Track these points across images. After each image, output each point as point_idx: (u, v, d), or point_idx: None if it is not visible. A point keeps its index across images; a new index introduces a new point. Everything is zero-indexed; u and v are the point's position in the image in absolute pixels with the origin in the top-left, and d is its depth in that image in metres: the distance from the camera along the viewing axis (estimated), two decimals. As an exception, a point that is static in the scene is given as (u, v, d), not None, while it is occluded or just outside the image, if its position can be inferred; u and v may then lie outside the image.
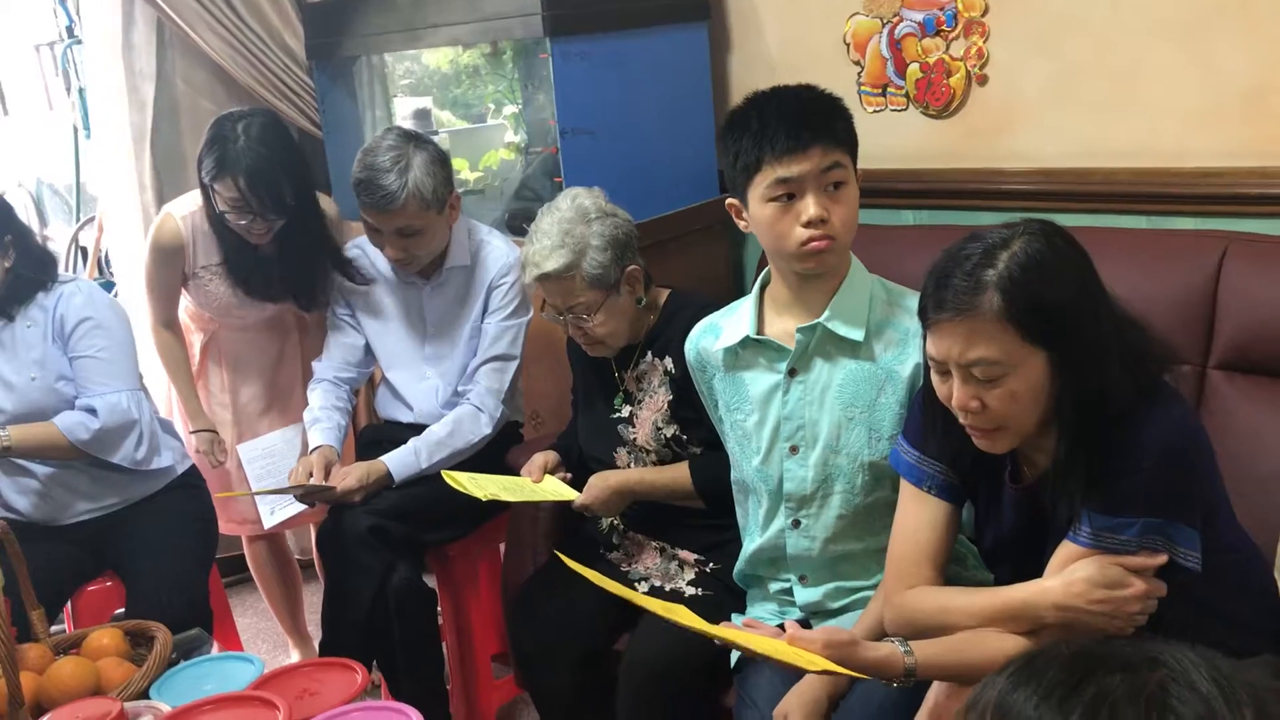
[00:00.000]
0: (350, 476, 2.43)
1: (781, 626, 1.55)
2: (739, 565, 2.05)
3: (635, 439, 2.24)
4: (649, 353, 2.23)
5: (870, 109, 2.68)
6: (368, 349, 2.71)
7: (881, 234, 2.48)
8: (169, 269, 2.70)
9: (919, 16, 2.55)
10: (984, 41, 2.48)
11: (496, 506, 2.34)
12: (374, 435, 2.75)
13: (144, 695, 1.70)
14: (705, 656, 1.95)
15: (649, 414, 2.22)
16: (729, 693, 1.97)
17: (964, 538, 1.81)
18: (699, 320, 2.04)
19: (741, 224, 1.86)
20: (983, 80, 2.51)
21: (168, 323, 2.80)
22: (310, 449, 2.56)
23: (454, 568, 2.66)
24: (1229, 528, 1.58)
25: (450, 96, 3.46)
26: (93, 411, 2.32)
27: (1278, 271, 1.99)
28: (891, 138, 2.64)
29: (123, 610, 2.39)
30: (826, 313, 1.83)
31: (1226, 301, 2.02)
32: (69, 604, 2.53)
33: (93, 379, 2.35)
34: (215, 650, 1.95)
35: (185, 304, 2.82)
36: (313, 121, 3.25)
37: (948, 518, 1.64)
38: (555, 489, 2.29)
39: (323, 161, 3.20)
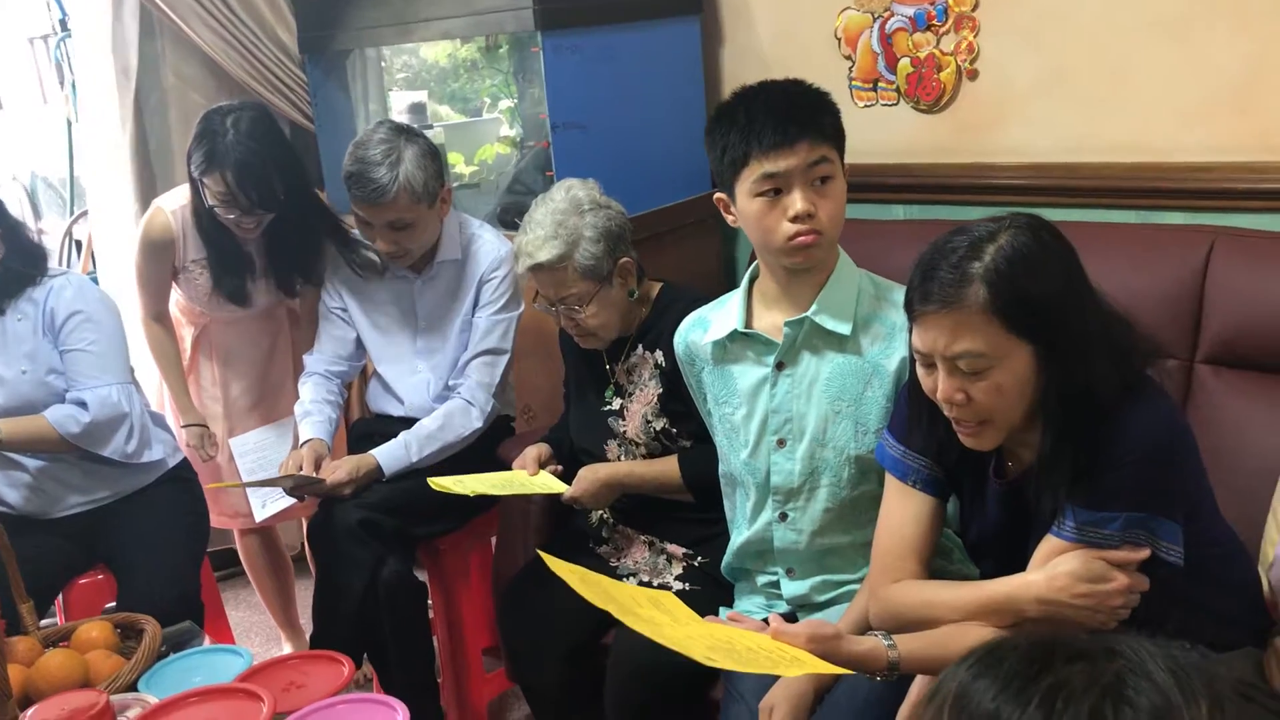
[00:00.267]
0: (340, 470, 2.44)
1: (766, 620, 1.55)
2: (726, 558, 2.05)
3: (625, 431, 2.24)
4: (640, 345, 2.23)
5: (861, 104, 2.69)
6: (359, 342, 2.72)
7: (872, 228, 2.48)
8: (159, 263, 2.70)
9: (910, 11, 2.56)
10: (974, 36, 2.48)
11: (487, 500, 2.34)
12: (365, 429, 2.75)
13: (132, 688, 1.70)
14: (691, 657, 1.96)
15: (639, 407, 2.22)
16: (716, 686, 1.98)
17: (949, 531, 1.82)
18: (690, 314, 2.05)
19: (730, 218, 1.86)
20: (973, 75, 2.51)
21: (158, 316, 2.80)
22: (301, 442, 2.56)
23: (445, 561, 2.67)
24: (1212, 522, 1.59)
25: (447, 90, 3.46)
26: (83, 405, 2.32)
27: (1265, 266, 2.00)
28: (882, 132, 2.65)
29: (114, 604, 2.40)
30: (814, 306, 1.84)
31: (1214, 296, 2.03)
32: (60, 597, 2.53)
33: (83, 372, 2.35)
34: (206, 643, 1.95)
35: (176, 297, 2.82)
36: (305, 115, 3.25)
37: (932, 512, 1.65)
38: (545, 482, 2.30)
39: (315, 155, 3.20)
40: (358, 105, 3.28)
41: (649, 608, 1.54)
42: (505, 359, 2.59)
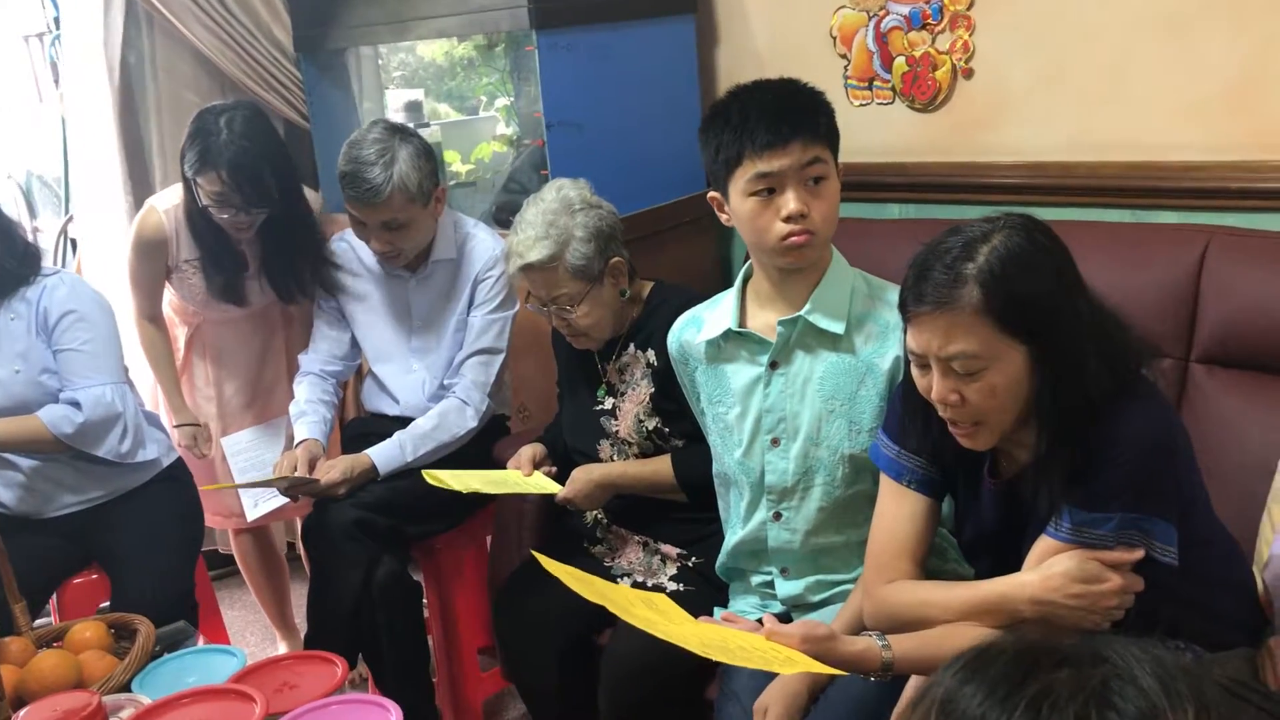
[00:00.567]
0: (335, 470, 2.43)
1: (760, 620, 1.55)
2: (721, 558, 2.05)
3: (617, 431, 2.24)
4: (631, 345, 2.23)
5: (856, 102, 2.68)
6: (354, 342, 2.71)
7: (867, 227, 2.48)
8: (152, 262, 2.70)
9: (905, 10, 2.55)
10: (970, 35, 2.48)
11: (482, 500, 2.34)
12: (360, 428, 2.75)
13: (125, 688, 1.70)
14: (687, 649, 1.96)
15: (631, 406, 2.22)
16: (711, 686, 1.98)
17: (944, 531, 1.82)
18: (682, 313, 2.04)
19: (723, 217, 1.86)
20: (968, 74, 2.51)
21: (151, 316, 2.80)
22: (295, 442, 2.56)
23: (440, 561, 2.66)
24: (1206, 522, 1.59)
25: (443, 89, 3.45)
26: (76, 405, 2.32)
27: (1259, 265, 2.00)
28: (878, 131, 2.65)
29: (108, 603, 2.40)
30: (808, 306, 1.83)
31: (1208, 295, 2.03)
32: (54, 597, 2.52)
33: (77, 372, 2.34)
34: (200, 643, 1.95)
35: (169, 297, 2.82)
36: (300, 114, 3.25)
37: (927, 512, 1.65)
38: (539, 483, 2.29)
39: (310, 154, 3.20)
40: (353, 103, 3.27)
41: (643, 608, 1.55)
42: (500, 358, 2.59)
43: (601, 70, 2.68)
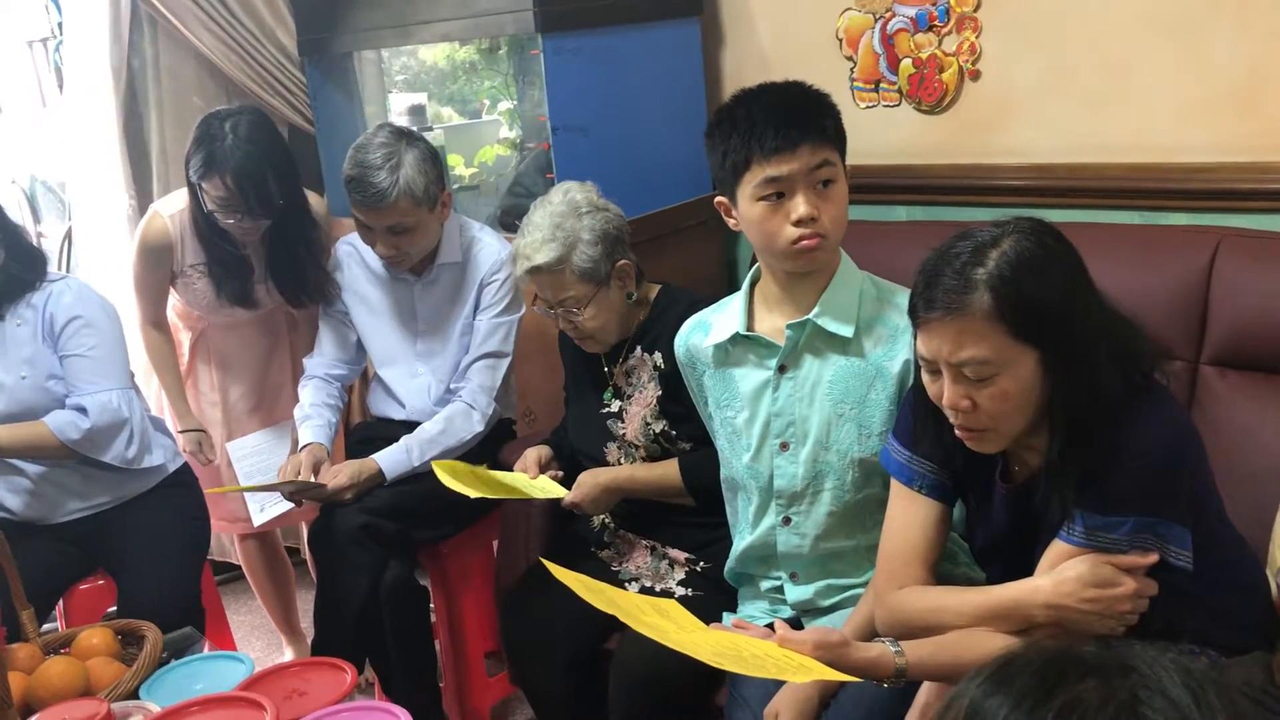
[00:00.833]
0: (342, 475, 2.43)
1: (771, 626, 1.54)
2: (729, 564, 2.04)
3: (624, 434, 2.23)
4: (638, 347, 2.23)
5: (863, 104, 2.68)
6: (360, 345, 2.71)
7: (874, 230, 2.48)
8: (157, 268, 2.69)
9: (911, 12, 2.55)
10: (976, 37, 2.47)
11: (489, 504, 2.33)
12: (366, 432, 2.74)
13: (133, 695, 1.70)
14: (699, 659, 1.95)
15: (638, 409, 2.21)
16: (720, 691, 1.97)
17: (954, 534, 1.81)
18: (689, 316, 2.04)
19: (731, 222, 1.85)
20: (975, 75, 2.50)
21: (156, 322, 2.79)
22: (300, 446, 2.55)
23: (447, 565, 2.66)
24: (1220, 525, 1.58)
25: (446, 92, 3.45)
26: (83, 411, 2.31)
27: (1270, 267, 1.99)
28: (884, 133, 2.64)
29: (114, 609, 2.40)
30: (816, 309, 1.83)
31: (1219, 297, 2.02)
32: (60, 603, 2.52)
33: (83, 378, 2.34)
34: (207, 649, 1.95)
35: (173, 302, 2.81)
36: (305, 118, 3.24)
37: (939, 517, 1.64)
38: (545, 487, 2.29)
39: (315, 158, 3.19)
40: (358, 108, 3.27)
41: (653, 615, 1.54)
42: (506, 362, 2.58)
43: (607, 73, 2.68)
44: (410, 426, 2.55)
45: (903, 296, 1.72)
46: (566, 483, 2.27)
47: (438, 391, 2.61)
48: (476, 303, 2.57)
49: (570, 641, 2.17)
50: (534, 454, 2.36)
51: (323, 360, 2.69)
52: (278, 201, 2.52)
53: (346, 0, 2.96)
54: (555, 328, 2.33)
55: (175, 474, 2.54)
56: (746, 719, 1.81)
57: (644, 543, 2.26)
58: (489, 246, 2.58)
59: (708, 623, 1.60)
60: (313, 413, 2.60)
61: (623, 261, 2.17)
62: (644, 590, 2.17)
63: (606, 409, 2.26)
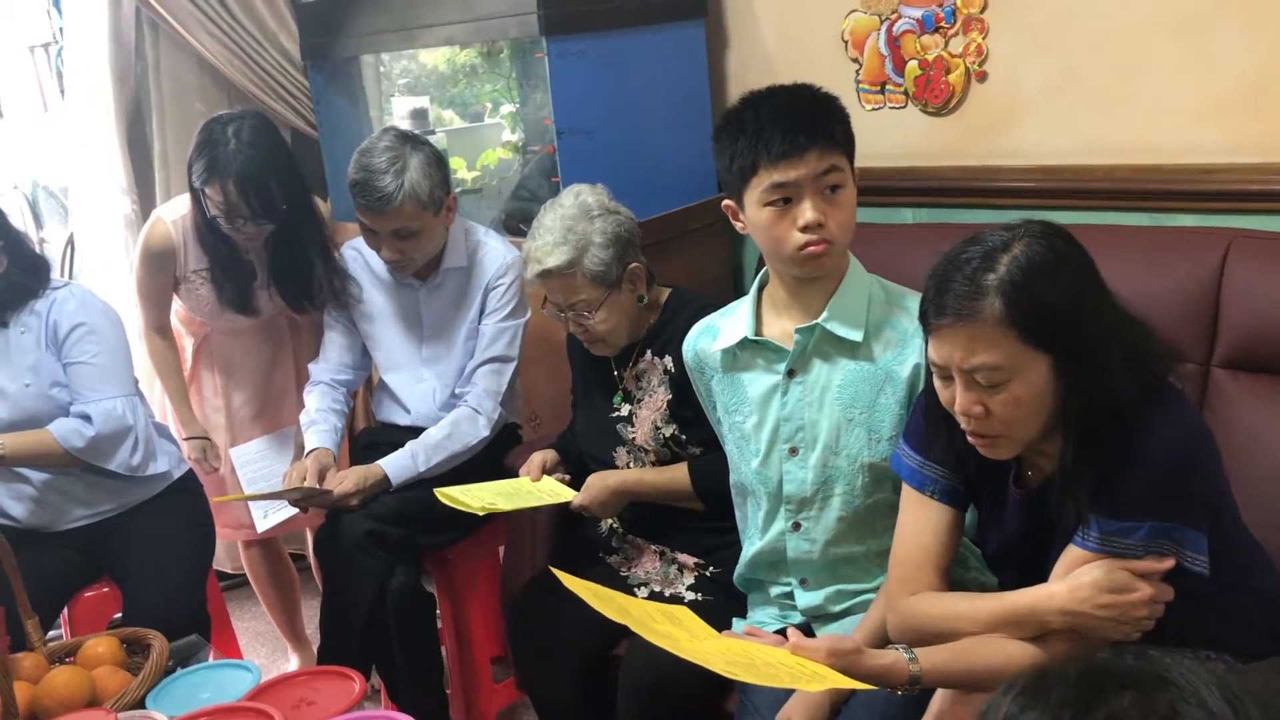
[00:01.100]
0: (347, 481, 2.41)
1: (783, 633, 1.53)
2: (739, 569, 2.03)
3: (634, 438, 2.22)
4: (649, 351, 2.22)
5: (869, 107, 2.66)
6: (365, 350, 2.70)
7: (880, 232, 2.46)
8: (160, 274, 2.68)
9: (917, 13, 2.54)
10: (983, 38, 2.46)
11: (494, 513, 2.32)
12: (371, 438, 2.73)
13: (140, 705, 1.69)
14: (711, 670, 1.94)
15: (648, 413, 2.20)
16: (730, 698, 1.96)
17: (965, 539, 1.80)
18: (699, 320, 2.03)
19: (738, 225, 1.84)
20: (982, 77, 2.49)
21: (159, 328, 2.78)
22: (306, 452, 2.54)
23: (453, 571, 2.65)
24: (1235, 529, 1.56)
25: (447, 95, 3.44)
26: (87, 418, 2.30)
27: (1282, 268, 1.98)
28: (890, 135, 2.63)
29: (119, 616, 2.39)
30: (825, 313, 1.81)
31: (1230, 299, 2.00)
32: (65, 611, 2.51)
33: (87, 385, 2.33)
34: (212, 657, 1.93)
35: (176, 308, 2.80)
36: (308, 122, 3.24)
37: (951, 522, 1.62)
38: (553, 489, 2.28)
39: (319, 162, 3.18)
40: (361, 112, 3.26)
41: (665, 623, 1.53)
42: (512, 366, 2.57)
43: (611, 76, 2.67)
44: (415, 432, 2.54)
45: (912, 300, 1.71)
46: (575, 486, 2.26)
47: (443, 397, 2.60)
48: (482, 307, 2.55)
49: (578, 647, 2.16)
50: (539, 458, 2.35)
51: (328, 365, 2.68)
52: (281, 206, 2.51)
53: (349, 4, 2.96)
54: (560, 332, 2.32)
55: (180, 481, 2.53)
56: (758, 726, 1.80)
57: (653, 548, 2.24)
58: (494, 250, 2.57)
59: (718, 629, 1.58)
60: (318, 418, 2.59)
61: (634, 264, 2.16)
62: (653, 595, 2.16)
63: (616, 413, 2.25)
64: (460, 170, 3.24)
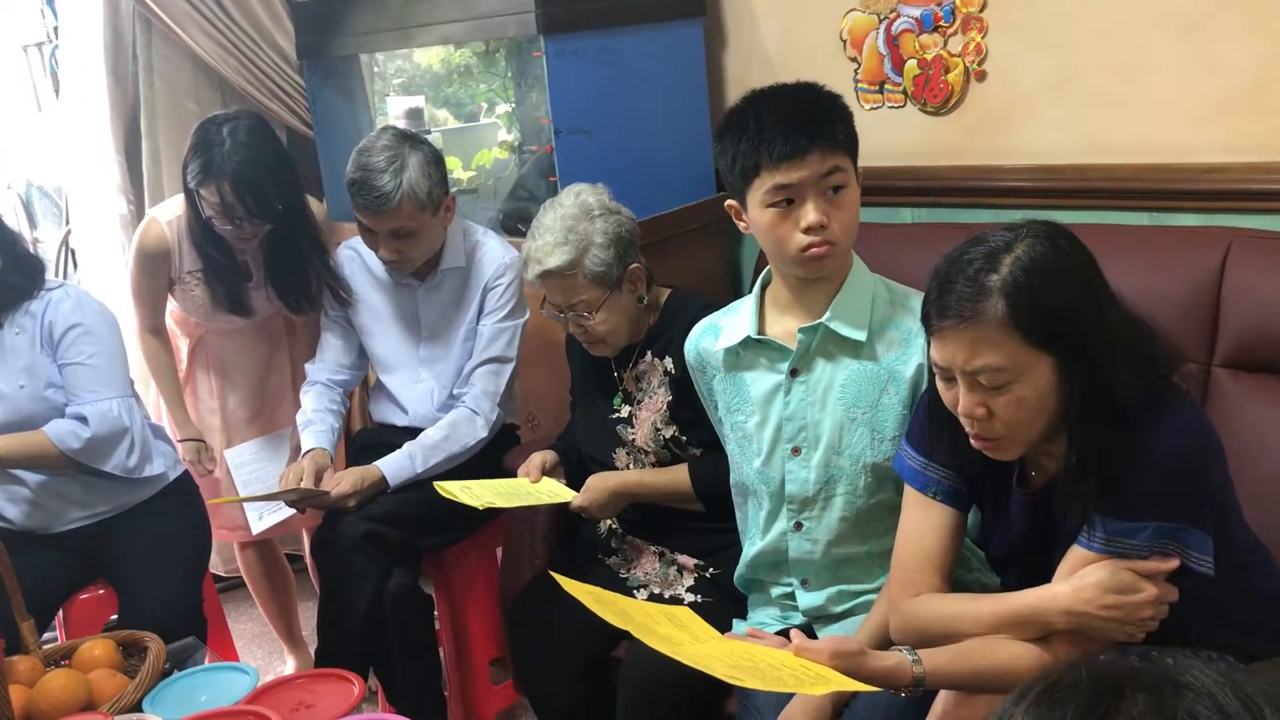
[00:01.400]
0: (345, 482, 2.40)
1: (785, 634, 1.52)
2: (740, 570, 2.02)
3: (634, 439, 2.21)
4: (648, 352, 2.21)
5: (868, 106, 2.66)
6: (362, 351, 2.69)
7: (880, 232, 2.45)
8: (155, 275, 2.67)
9: (916, 12, 2.53)
10: (982, 37, 2.45)
11: (493, 511, 2.31)
12: (368, 439, 2.72)
13: (137, 708, 1.67)
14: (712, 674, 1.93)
15: (648, 414, 2.19)
16: (730, 700, 1.95)
17: (967, 540, 1.79)
18: (700, 320, 2.02)
19: (741, 225, 1.83)
20: (981, 76, 2.48)
21: (154, 329, 2.77)
22: (303, 452, 2.53)
23: (451, 573, 2.64)
24: (1240, 530, 1.56)
25: (443, 95, 3.43)
26: (83, 420, 2.29)
27: (1284, 268, 1.97)
28: (889, 135, 2.62)
29: (115, 618, 2.37)
30: (828, 313, 1.81)
31: (1231, 299, 2.00)
32: (60, 613, 2.49)
33: (83, 386, 2.31)
34: (209, 659, 1.92)
35: (171, 308, 2.78)
36: (304, 121, 3.22)
37: (954, 524, 1.62)
38: (552, 490, 2.27)
39: (315, 162, 3.17)
40: (357, 111, 3.24)
41: (667, 625, 1.52)
42: (510, 367, 2.56)
43: (609, 75, 2.66)
44: (413, 433, 2.53)
45: (915, 300, 1.70)
46: (574, 487, 2.25)
47: (441, 397, 2.59)
48: (480, 307, 2.54)
49: (577, 649, 2.15)
50: (538, 459, 2.34)
51: (324, 366, 2.66)
52: (276, 207, 2.50)
53: (346, 3, 2.94)
54: (559, 332, 2.31)
55: (176, 482, 2.52)
56: (758, 728, 1.79)
57: (652, 548, 2.24)
58: (493, 250, 2.56)
59: (718, 631, 1.57)
60: (315, 418, 2.58)
61: (634, 265, 2.15)
62: (652, 597, 2.15)
63: (616, 414, 2.24)
64: (456, 170, 3.23)
